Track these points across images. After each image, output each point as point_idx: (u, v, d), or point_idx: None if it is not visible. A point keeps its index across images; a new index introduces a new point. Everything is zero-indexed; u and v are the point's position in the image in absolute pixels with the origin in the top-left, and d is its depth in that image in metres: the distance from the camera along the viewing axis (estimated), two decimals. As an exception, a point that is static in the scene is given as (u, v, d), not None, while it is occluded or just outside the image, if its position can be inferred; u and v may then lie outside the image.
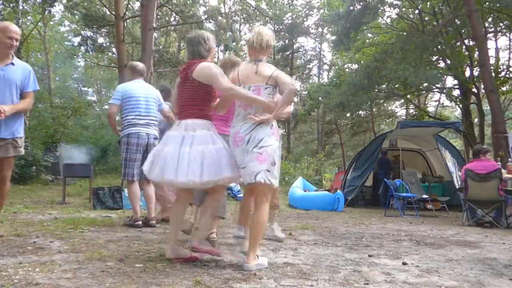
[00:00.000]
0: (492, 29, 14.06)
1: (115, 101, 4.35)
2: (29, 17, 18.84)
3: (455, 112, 23.89)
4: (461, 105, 14.59)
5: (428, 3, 13.55)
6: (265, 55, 2.83)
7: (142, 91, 4.38)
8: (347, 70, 18.99)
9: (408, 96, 16.17)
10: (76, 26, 20.95)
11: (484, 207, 5.96)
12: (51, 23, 22.96)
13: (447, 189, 9.83)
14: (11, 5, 14.58)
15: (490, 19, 13.14)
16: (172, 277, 2.17)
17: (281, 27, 25.50)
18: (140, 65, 4.64)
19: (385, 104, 21.19)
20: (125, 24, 13.75)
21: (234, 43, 23.62)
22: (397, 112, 23.32)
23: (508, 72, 13.02)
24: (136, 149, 4.29)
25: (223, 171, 2.50)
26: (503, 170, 6.15)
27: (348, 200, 9.02)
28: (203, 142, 2.52)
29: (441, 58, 14.29)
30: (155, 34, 12.35)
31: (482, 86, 11.06)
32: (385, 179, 8.44)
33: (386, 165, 10.15)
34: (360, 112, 20.58)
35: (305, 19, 26.64)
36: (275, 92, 2.69)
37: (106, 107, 27.42)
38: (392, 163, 10.48)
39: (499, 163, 6.79)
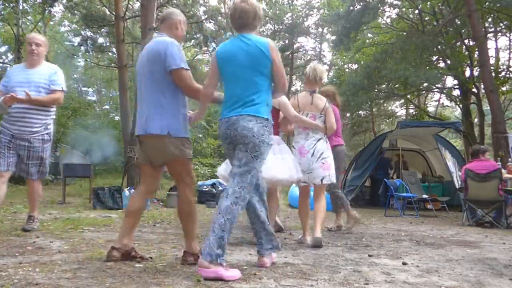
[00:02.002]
0: (492, 29, 14.06)
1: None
2: (29, 17, 18.83)
3: (455, 112, 23.86)
4: (461, 105, 14.59)
5: (428, 3, 13.55)
6: (318, 87, 3.81)
7: None
8: (347, 70, 18.99)
9: (408, 96, 16.17)
10: (76, 26, 20.94)
11: (484, 207, 5.96)
12: (51, 23, 22.95)
13: (447, 189, 9.83)
14: (11, 5, 14.58)
15: (490, 19, 13.13)
16: (172, 277, 2.17)
17: (281, 27, 25.50)
18: None
19: (385, 104, 21.16)
20: (125, 24, 13.74)
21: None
22: (397, 112, 23.29)
23: (508, 72, 13.01)
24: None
25: (299, 173, 3.44)
26: (503, 170, 6.15)
27: (348, 200, 9.01)
28: (287, 151, 3.55)
29: (441, 58, 14.29)
30: (155, 34, 12.34)
31: (482, 86, 11.06)
32: (385, 179, 8.44)
33: (384, 165, 10.12)
34: (360, 112, 20.56)
35: (305, 19, 26.62)
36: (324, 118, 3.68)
37: (107, 107, 27.48)
38: (391, 163, 10.46)
39: (499, 163, 6.80)
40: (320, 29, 27.55)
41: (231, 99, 2.48)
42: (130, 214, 2.62)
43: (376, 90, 15.14)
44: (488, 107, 9.93)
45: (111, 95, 28.61)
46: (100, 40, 18.93)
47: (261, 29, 27.95)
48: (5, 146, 3.43)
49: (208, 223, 4.60)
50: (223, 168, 3.50)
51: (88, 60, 23.47)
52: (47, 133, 3.63)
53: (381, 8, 15.14)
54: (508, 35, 15.09)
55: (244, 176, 2.36)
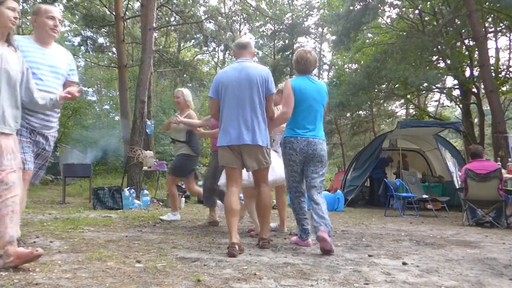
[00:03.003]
0: (492, 29, 14.05)
1: None
2: (29, 17, 18.82)
3: (455, 112, 23.87)
4: (461, 105, 14.59)
5: (428, 3, 13.55)
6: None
7: None
8: (347, 70, 18.99)
9: (408, 96, 16.16)
10: (76, 26, 20.94)
11: (484, 207, 5.96)
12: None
13: (447, 189, 9.83)
14: (11, 5, 14.55)
15: (490, 19, 13.13)
16: (172, 277, 2.17)
17: (281, 27, 25.50)
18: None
19: (385, 104, 21.15)
20: (125, 24, 13.75)
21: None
22: (397, 112, 23.28)
23: (508, 72, 13.00)
24: None
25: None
26: (503, 170, 6.15)
27: (348, 200, 9.02)
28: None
29: (441, 58, 14.29)
30: (155, 34, 12.35)
31: (482, 86, 11.05)
32: (385, 179, 8.44)
33: (382, 164, 10.11)
34: (360, 112, 20.55)
35: (305, 19, 26.64)
36: None
37: (107, 107, 27.50)
38: (388, 159, 10.43)
39: (499, 163, 6.80)
40: (320, 29, 27.57)
41: (303, 123, 3.40)
42: (236, 213, 3.13)
43: (376, 90, 15.14)
44: (488, 107, 9.92)
45: (111, 95, 28.61)
46: (100, 40, 18.93)
47: (261, 29, 27.75)
48: (28, 141, 2.83)
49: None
50: (223, 180, 3.83)
51: (88, 60, 23.48)
52: (56, 131, 3.18)
53: (381, 8, 15.13)
54: (508, 35, 15.10)
55: (323, 181, 3.47)
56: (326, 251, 3.03)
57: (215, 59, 26.13)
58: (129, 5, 14.69)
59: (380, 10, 15.08)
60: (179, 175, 5.22)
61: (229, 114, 3.20)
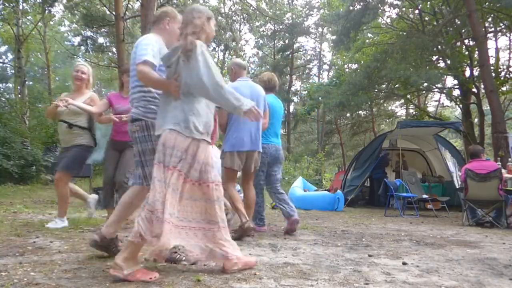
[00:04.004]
0: (492, 29, 14.04)
1: None
2: (29, 17, 18.84)
3: (455, 112, 23.88)
4: (461, 105, 14.58)
5: (428, 3, 13.54)
6: None
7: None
8: (347, 70, 18.99)
9: (408, 96, 16.16)
10: (76, 26, 20.95)
11: (484, 207, 5.96)
12: (51, 23, 22.95)
13: (447, 189, 9.83)
14: (11, 5, 14.59)
15: (490, 19, 13.12)
16: (172, 277, 2.17)
17: (281, 27, 25.52)
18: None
19: (385, 104, 21.16)
20: (125, 24, 13.73)
21: (234, 43, 23.63)
22: (397, 112, 23.30)
23: (508, 72, 12.99)
24: None
25: None
26: (503, 170, 6.15)
27: (348, 200, 9.02)
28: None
29: (441, 58, 14.28)
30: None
31: (482, 86, 11.04)
32: (385, 179, 8.44)
33: (382, 164, 10.10)
34: (360, 112, 20.56)
35: (305, 19, 26.65)
36: None
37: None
38: (387, 158, 10.42)
39: (499, 163, 6.79)
40: (320, 29, 27.57)
41: (274, 132, 4.35)
42: (240, 201, 3.81)
43: (376, 90, 15.12)
44: (488, 107, 9.92)
45: (111, 95, 28.55)
46: (100, 40, 18.94)
47: (261, 29, 27.76)
48: None
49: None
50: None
51: (88, 60, 23.47)
52: None
53: (381, 8, 15.12)
54: (508, 35, 15.08)
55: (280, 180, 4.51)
56: (293, 230, 4.14)
57: (215, 59, 26.15)
58: (129, 5, 14.68)
59: (380, 10, 15.07)
60: (75, 172, 4.20)
61: (243, 124, 3.75)
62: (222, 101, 2.26)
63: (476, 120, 15.17)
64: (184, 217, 2.20)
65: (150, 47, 2.39)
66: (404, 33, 14.12)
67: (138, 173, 2.52)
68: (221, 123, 3.73)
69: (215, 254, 2.25)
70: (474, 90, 13.02)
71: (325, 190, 10.22)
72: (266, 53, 29.24)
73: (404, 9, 15.78)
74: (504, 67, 13.75)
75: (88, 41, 17.13)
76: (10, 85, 23.45)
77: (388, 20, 16.55)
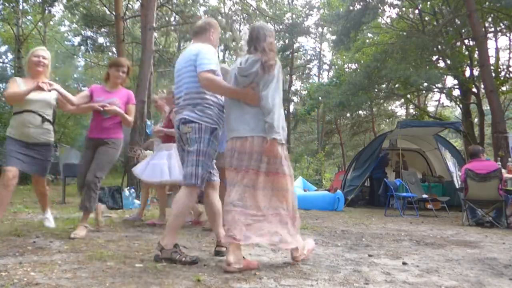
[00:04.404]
0: (492, 29, 14.05)
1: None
2: (29, 17, 18.82)
3: (455, 112, 23.88)
4: (461, 105, 14.59)
5: (428, 3, 13.54)
6: None
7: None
8: (347, 70, 18.99)
9: (408, 96, 16.17)
10: (76, 26, 20.95)
11: (484, 207, 5.96)
12: (51, 23, 22.95)
13: (447, 189, 9.83)
14: (11, 5, 14.58)
15: (490, 19, 13.12)
16: (172, 277, 2.17)
17: (281, 27, 25.49)
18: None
19: (385, 104, 21.17)
20: (125, 24, 13.74)
21: (234, 43, 23.61)
22: (397, 112, 23.32)
23: (508, 72, 13.00)
24: None
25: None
26: (503, 170, 6.15)
27: (348, 200, 9.02)
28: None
29: (441, 58, 14.29)
30: (155, 34, 12.34)
31: (482, 86, 11.05)
32: (385, 179, 8.44)
33: (382, 164, 10.10)
34: (360, 112, 20.56)
35: (305, 19, 26.63)
36: None
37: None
38: (387, 158, 10.42)
39: (499, 163, 6.79)
40: (320, 29, 27.56)
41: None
42: None
43: (376, 90, 15.12)
44: (488, 107, 9.92)
45: (111, 95, 28.58)
46: (100, 40, 18.95)
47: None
48: None
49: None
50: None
51: (88, 60, 23.47)
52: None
53: (381, 8, 15.13)
54: (508, 35, 15.09)
55: None
56: None
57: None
58: (129, 5, 14.68)
59: (380, 10, 15.08)
60: (47, 172, 3.87)
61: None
62: (268, 120, 2.44)
63: (476, 120, 15.18)
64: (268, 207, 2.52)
65: (214, 57, 2.63)
66: (404, 33, 14.13)
67: (189, 172, 2.60)
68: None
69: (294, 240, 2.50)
70: (474, 90, 13.03)
71: (325, 190, 10.21)
72: (266, 53, 29.20)
73: (404, 9, 15.78)
74: (504, 67, 13.76)
75: (88, 41, 17.15)
76: (10, 85, 23.41)
77: (388, 20, 16.56)
